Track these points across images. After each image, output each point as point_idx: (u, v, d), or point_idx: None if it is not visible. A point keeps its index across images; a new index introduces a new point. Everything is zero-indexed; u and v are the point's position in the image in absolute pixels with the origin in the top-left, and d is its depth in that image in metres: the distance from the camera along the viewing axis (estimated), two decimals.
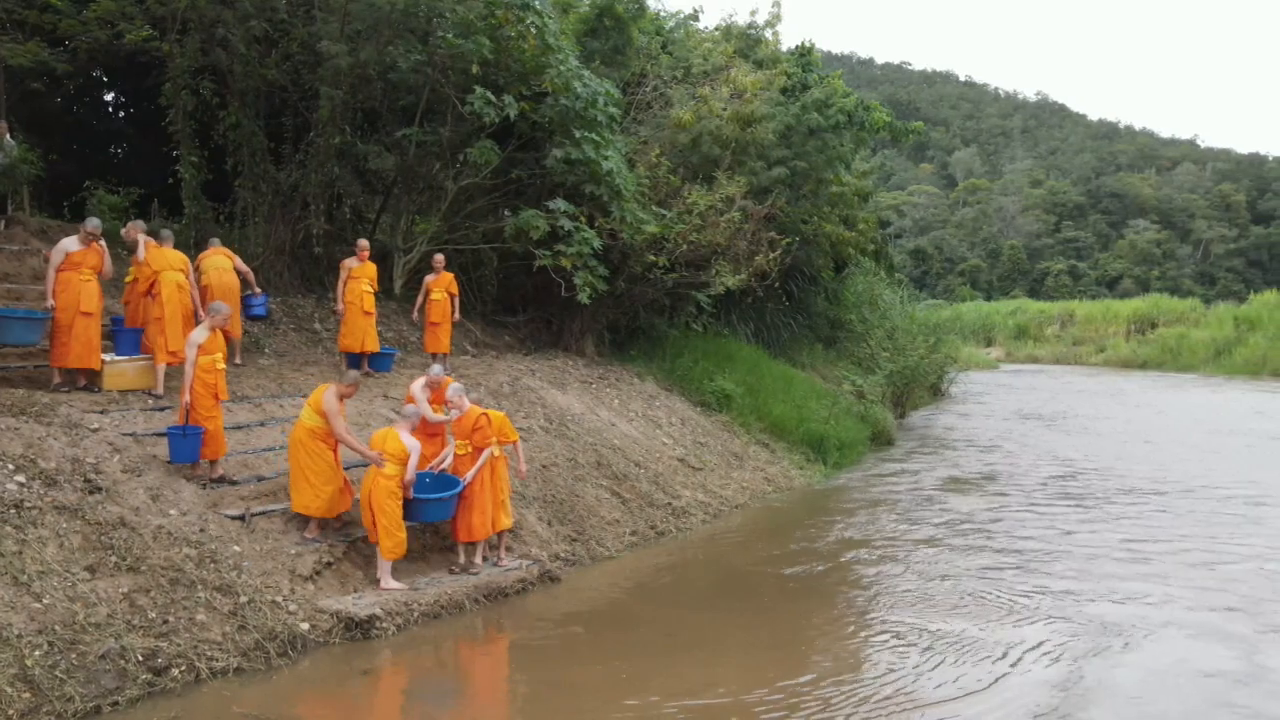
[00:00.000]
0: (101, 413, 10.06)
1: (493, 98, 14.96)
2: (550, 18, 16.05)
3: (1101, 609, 9.93)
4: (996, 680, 8.03)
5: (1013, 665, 8.37)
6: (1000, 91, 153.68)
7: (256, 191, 15.51)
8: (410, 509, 9.51)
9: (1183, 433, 24.70)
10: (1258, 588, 10.74)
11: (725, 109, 19.43)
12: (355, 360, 13.37)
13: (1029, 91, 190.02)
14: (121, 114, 20.58)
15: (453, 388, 10.36)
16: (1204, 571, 11.44)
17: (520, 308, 18.93)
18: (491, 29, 15.37)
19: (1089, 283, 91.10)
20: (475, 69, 15.00)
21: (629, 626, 9.46)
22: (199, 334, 9.75)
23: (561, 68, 15.80)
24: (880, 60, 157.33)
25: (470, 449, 10.10)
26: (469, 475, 9.94)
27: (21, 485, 8.19)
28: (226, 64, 14.76)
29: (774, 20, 25.76)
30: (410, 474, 9.41)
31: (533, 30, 15.53)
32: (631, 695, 7.67)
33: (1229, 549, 12.51)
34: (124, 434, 9.71)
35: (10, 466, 8.33)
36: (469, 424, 10.11)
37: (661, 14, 24.43)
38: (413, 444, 9.52)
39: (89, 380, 10.75)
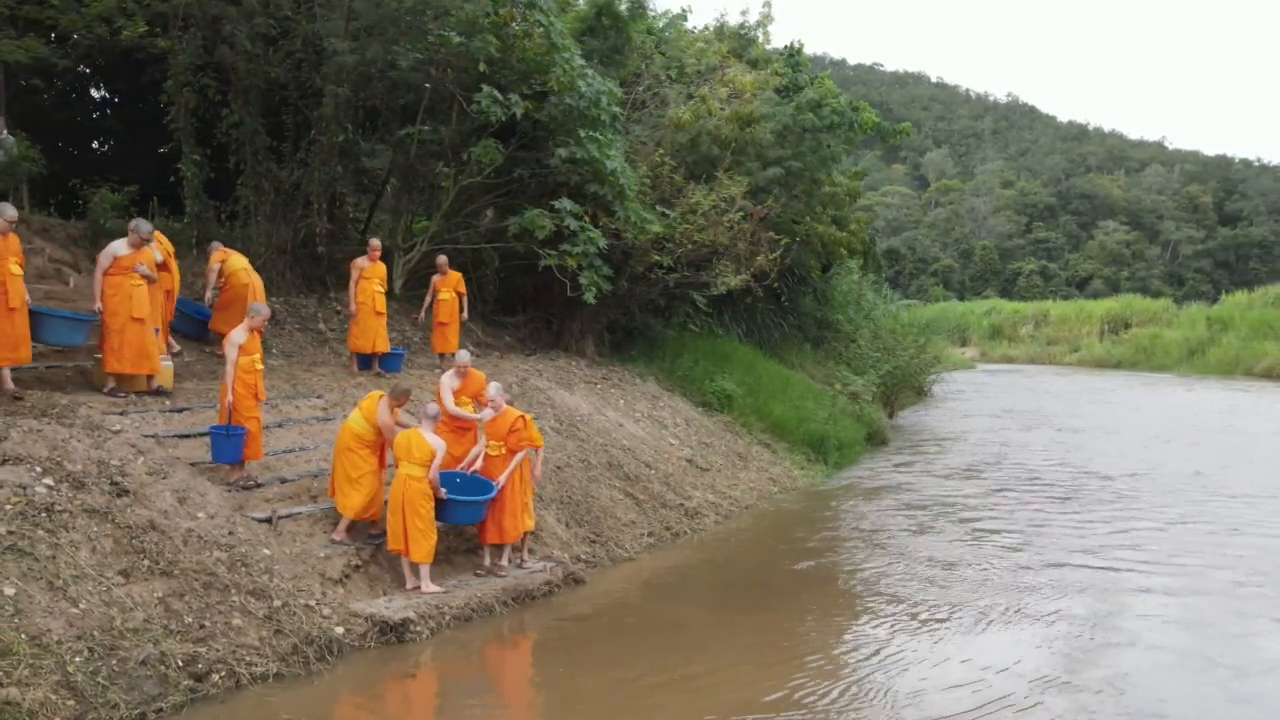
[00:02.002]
0: (121, 414, 9.92)
1: (499, 96, 14.87)
2: (555, 17, 15.97)
3: (1099, 584, 10.94)
4: (1016, 657, 8.71)
5: (1027, 642, 9.16)
6: (971, 93, 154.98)
7: (259, 190, 15.32)
8: (442, 509, 9.43)
9: (1161, 429, 25.31)
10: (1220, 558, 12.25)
11: (724, 109, 19.43)
12: (366, 361, 13.28)
13: (999, 93, 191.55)
14: (108, 110, 20.31)
15: (493, 387, 10.30)
16: (1181, 547, 12.80)
17: (520, 308, 18.84)
18: (495, 27, 15.29)
19: (1060, 283, 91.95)
20: (482, 67, 14.91)
21: (663, 629, 9.40)
22: (239, 334, 9.64)
23: (566, 67, 15.73)
24: (853, 61, 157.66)
25: (504, 450, 10.03)
26: (502, 478, 9.87)
27: (50, 488, 8.06)
28: (230, 61, 14.56)
29: (765, 20, 25.85)
30: (434, 473, 9.32)
31: (538, 29, 15.45)
32: (678, 697, 7.67)
33: (1207, 531, 13.84)
34: (145, 435, 9.57)
35: (38, 469, 8.19)
36: (506, 425, 10.04)
37: (652, 14, 24.41)
38: (437, 443, 9.42)
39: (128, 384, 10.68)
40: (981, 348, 65.18)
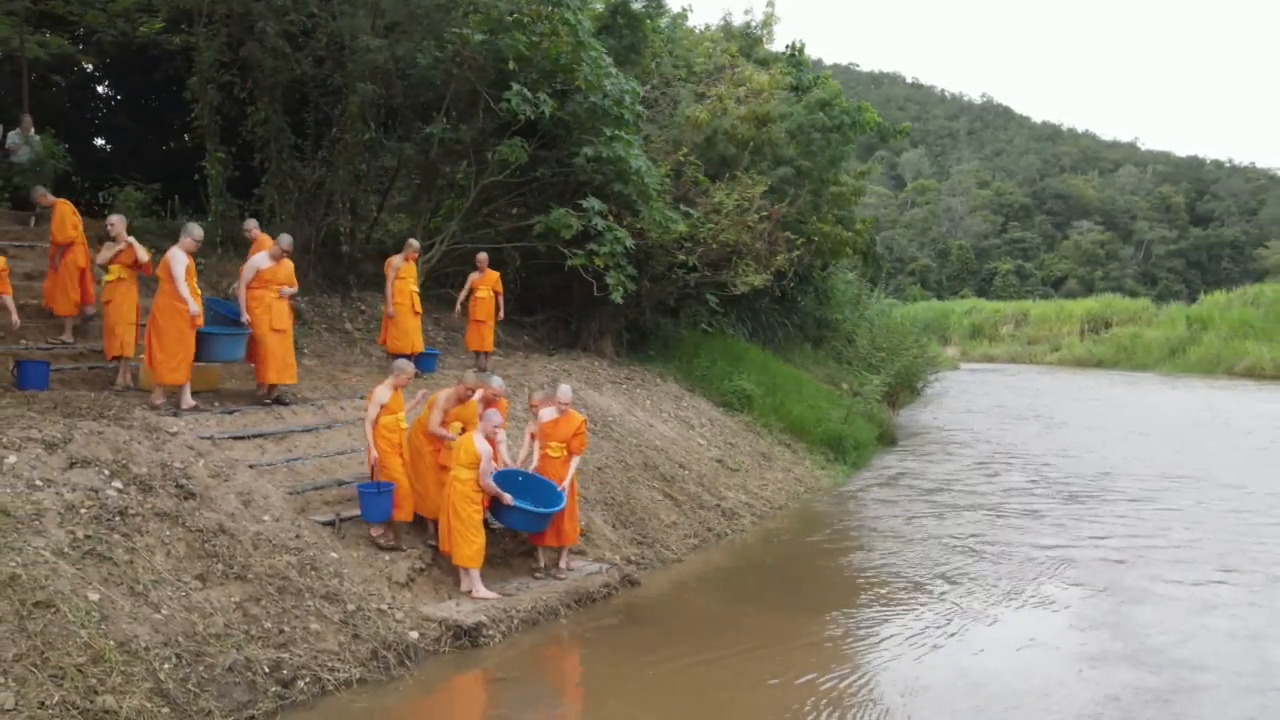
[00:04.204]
0: (174, 415, 9.79)
1: (529, 95, 14.79)
2: (582, 14, 15.86)
3: (1114, 565, 12.06)
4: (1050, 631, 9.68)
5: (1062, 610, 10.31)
6: (946, 93, 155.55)
7: (283, 189, 15.15)
8: (506, 514, 9.36)
9: (1148, 426, 26.26)
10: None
11: (739, 107, 19.43)
12: None
13: (974, 94, 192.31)
14: (114, 106, 20.05)
15: (564, 389, 10.22)
16: (1178, 529, 14.03)
17: (538, 307, 18.74)
18: (521, 25, 15.19)
19: (1035, 283, 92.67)
20: (511, 65, 14.83)
21: (730, 630, 9.34)
22: (383, 392, 9.39)
23: (594, 65, 15.65)
24: (829, 61, 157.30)
25: (564, 453, 9.97)
26: (566, 483, 9.83)
27: (120, 491, 7.94)
28: (257, 58, 14.38)
29: (769, 20, 25.88)
30: (485, 479, 9.21)
31: (564, 26, 15.36)
32: (767, 699, 7.66)
33: (1186, 511, 15.28)
34: (201, 437, 9.44)
35: (106, 472, 8.06)
36: (570, 428, 9.98)
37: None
38: (484, 448, 9.30)
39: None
40: (962, 347, 65.49)
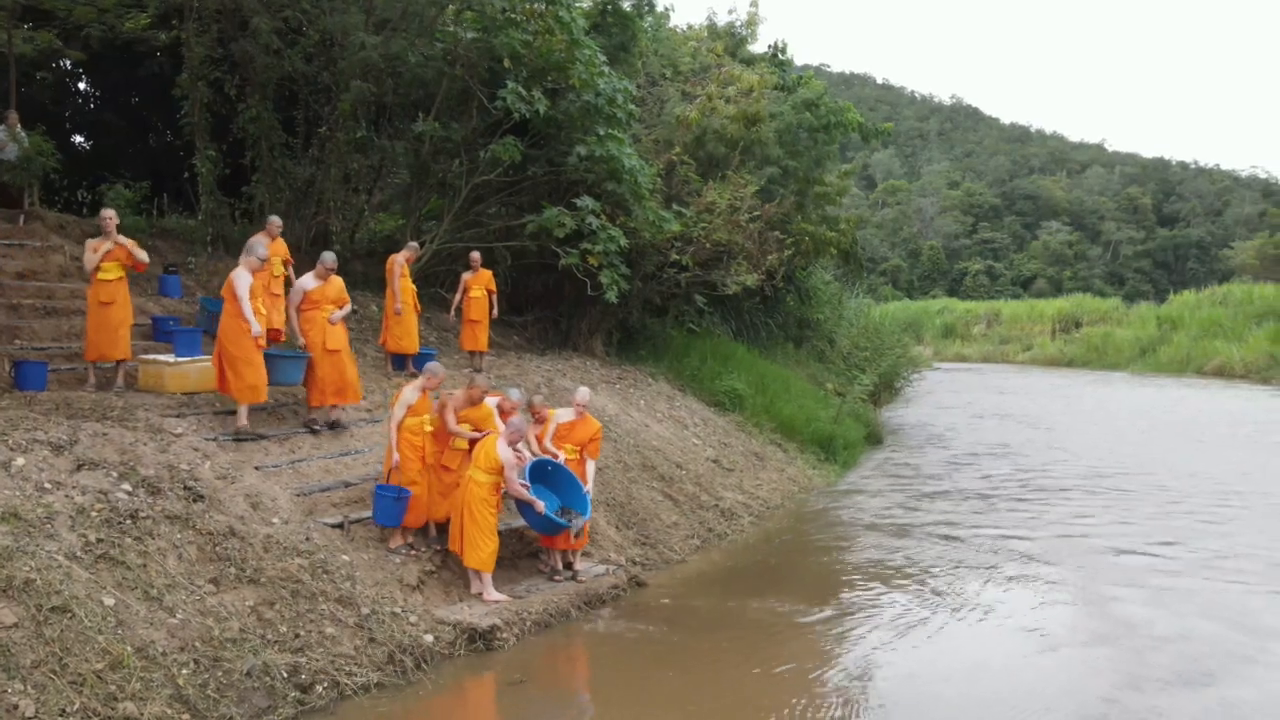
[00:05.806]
0: (177, 416, 9.67)
1: (524, 93, 14.70)
2: (575, 14, 15.77)
3: (1089, 548, 12.66)
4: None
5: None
6: (916, 94, 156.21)
7: (274, 187, 14.98)
8: (531, 514, 9.31)
9: (1124, 422, 26.72)
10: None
11: (729, 106, 19.41)
12: (400, 361, 13.03)
13: (944, 95, 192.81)
14: (94, 104, 19.77)
15: (583, 391, 10.19)
16: (1146, 515, 14.70)
17: (527, 307, 18.64)
18: (514, 23, 15.10)
19: (1005, 283, 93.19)
20: (506, 63, 14.75)
21: (739, 628, 9.34)
22: (410, 393, 9.30)
23: (589, 64, 15.57)
24: (800, 62, 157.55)
25: (578, 455, 9.94)
26: (589, 487, 9.86)
27: (129, 494, 7.81)
28: (249, 55, 14.21)
29: (753, 20, 25.89)
30: (515, 486, 9.13)
31: (558, 25, 15.27)
32: (781, 684, 7.66)
33: (1157, 500, 15.88)
34: (206, 438, 9.33)
35: (114, 474, 7.93)
36: (587, 433, 10.01)
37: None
38: (508, 456, 9.19)
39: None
40: (935, 346, 65.66)
